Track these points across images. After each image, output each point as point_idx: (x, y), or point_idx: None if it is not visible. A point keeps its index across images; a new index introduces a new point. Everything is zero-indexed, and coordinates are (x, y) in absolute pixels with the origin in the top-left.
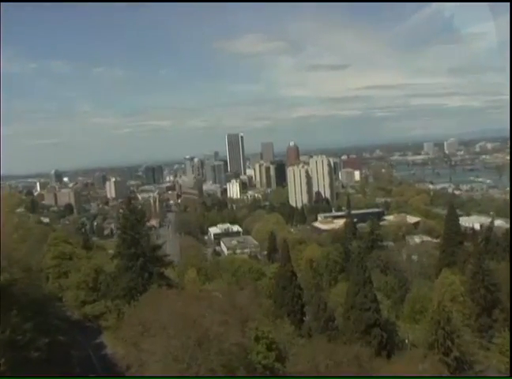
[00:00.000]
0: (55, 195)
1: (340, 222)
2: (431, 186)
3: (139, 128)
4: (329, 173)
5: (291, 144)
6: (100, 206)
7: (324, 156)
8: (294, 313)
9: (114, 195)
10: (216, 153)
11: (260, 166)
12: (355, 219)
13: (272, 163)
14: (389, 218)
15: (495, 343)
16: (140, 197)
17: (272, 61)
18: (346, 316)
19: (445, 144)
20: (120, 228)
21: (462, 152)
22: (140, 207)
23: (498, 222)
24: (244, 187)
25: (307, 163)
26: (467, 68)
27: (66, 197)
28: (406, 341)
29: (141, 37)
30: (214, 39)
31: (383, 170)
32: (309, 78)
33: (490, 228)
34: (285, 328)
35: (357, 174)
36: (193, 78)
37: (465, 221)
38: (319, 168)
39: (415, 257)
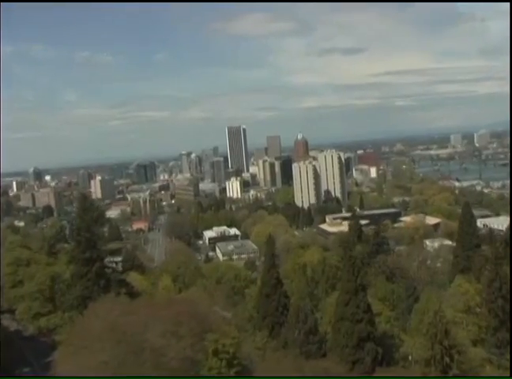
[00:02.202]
0: (33, 195)
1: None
2: (456, 183)
3: (130, 120)
4: (340, 169)
5: (299, 137)
6: None
7: (334, 151)
8: (279, 324)
9: (100, 195)
10: (216, 148)
11: (264, 162)
12: (367, 221)
13: (277, 158)
14: (407, 219)
15: (508, 359)
16: (129, 197)
17: (279, 44)
18: (336, 328)
19: (475, 136)
20: (74, 230)
21: (495, 145)
22: (94, 207)
23: None
24: (246, 186)
25: (316, 159)
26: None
27: (46, 197)
28: (410, 357)
29: (131, 18)
30: (213, 20)
31: (404, 167)
32: (320, 63)
33: (510, 229)
34: (257, 342)
35: (373, 171)
36: (191, 64)
37: (494, 222)
38: (329, 164)
39: (429, 263)
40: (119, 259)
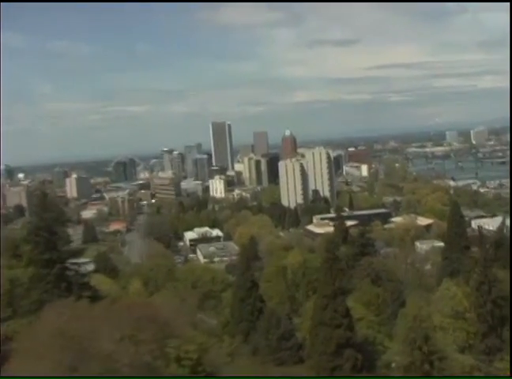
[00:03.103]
0: (3, 195)
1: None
2: (451, 183)
3: (109, 115)
4: (329, 167)
5: (287, 133)
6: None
7: (322, 148)
8: (254, 329)
9: (75, 194)
10: (199, 145)
11: (249, 160)
12: (356, 222)
13: (263, 156)
14: (397, 220)
15: (497, 367)
16: (107, 196)
17: (268, 35)
18: (313, 334)
19: (471, 132)
20: (33, 229)
21: (492, 142)
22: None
23: None
24: (231, 185)
25: (304, 157)
26: (501, 41)
27: (17, 196)
28: (393, 365)
29: (111, 5)
30: (199, 9)
31: (397, 165)
32: (311, 56)
33: (501, 230)
34: (225, 348)
35: (365, 169)
36: (175, 55)
37: (489, 223)
38: (317, 162)
39: (418, 266)
40: (87, 260)
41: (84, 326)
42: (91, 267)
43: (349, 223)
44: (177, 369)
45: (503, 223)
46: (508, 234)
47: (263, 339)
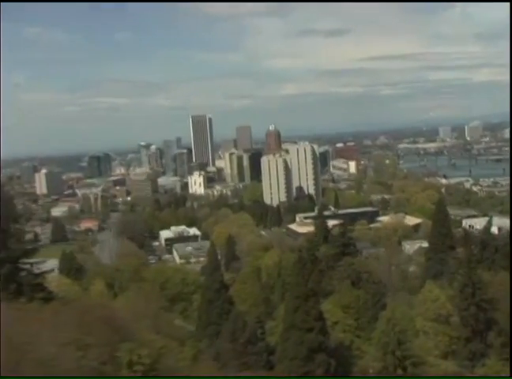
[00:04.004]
0: None
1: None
2: (443, 181)
3: (86, 106)
4: (314, 163)
5: (271, 128)
6: (26, 204)
7: (307, 143)
8: (221, 333)
9: (45, 191)
10: (179, 139)
11: (231, 155)
12: (341, 221)
13: (246, 151)
14: (385, 219)
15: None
16: (79, 192)
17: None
18: (284, 338)
19: (466, 128)
20: None
21: (488, 139)
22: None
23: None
24: (211, 181)
25: (288, 152)
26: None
27: None
28: (371, 370)
29: None
30: None
31: (387, 161)
32: (300, 46)
33: (487, 230)
34: (185, 352)
35: (353, 166)
36: (157, 45)
37: (481, 223)
38: (301, 158)
39: (402, 267)
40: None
41: (27, 329)
42: (47, 267)
43: (334, 222)
44: (128, 374)
45: (489, 222)
46: (495, 235)
47: (228, 344)
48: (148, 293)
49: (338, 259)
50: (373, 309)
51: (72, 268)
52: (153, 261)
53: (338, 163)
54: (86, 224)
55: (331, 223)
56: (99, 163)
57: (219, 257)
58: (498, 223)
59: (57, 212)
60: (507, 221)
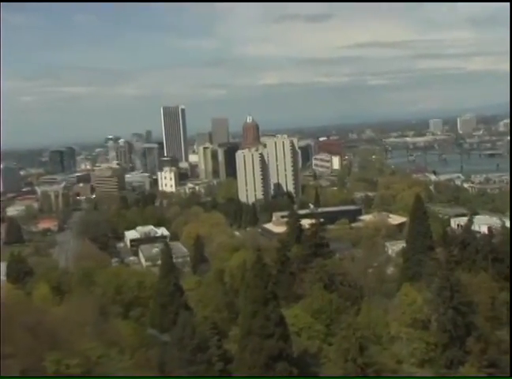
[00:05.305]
0: None
1: (303, 223)
2: (433, 177)
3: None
4: (294, 158)
5: (249, 119)
6: None
7: (286, 136)
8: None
9: (1, 188)
10: (149, 132)
11: (205, 149)
12: (321, 220)
13: (221, 145)
14: (367, 217)
15: None
16: (39, 190)
17: (231, 8)
18: (242, 345)
19: (458, 121)
20: None
21: (481, 132)
22: None
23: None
24: (184, 178)
25: (265, 146)
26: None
27: None
28: None
29: None
30: None
31: (373, 157)
32: (280, 33)
33: (468, 229)
34: (125, 361)
35: (337, 161)
36: (124, 29)
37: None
38: (280, 152)
39: (380, 268)
40: None
41: None
42: None
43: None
44: None
45: (470, 220)
46: (476, 234)
47: (176, 351)
48: (97, 298)
49: (310, 260)
50: (346, 314)
51: (20, 272)
52: (117, 264)
53: (321, 158)
54: (44, 224)
55: (308, 222)
56: (62, 158)
57: (188, 259)
58: (490, 222)
59: (13, 211)
60: (497, 220)
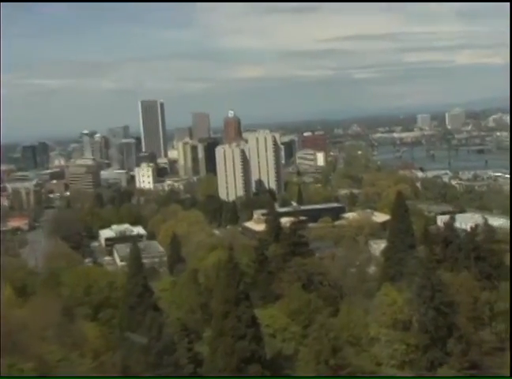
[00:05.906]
0: None
1: (284, 221)
2: (420, 174)
3: (20, 89)
4: (276, 154)
5: (230, 114)
6: None
7: (268, 132)
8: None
9: None
10: (126, 127)
11: (184, 145)
12: (305, 217)
13: (201, 141)
14: (351, 215)
15: None
16: (9, 187)
17: None
18: (213, 347)
19: (446, 116)
20: None
21: (470, 127)
22: None
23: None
24: (162, 174)
25: (246, 141)
26: (484, 11)
27: None
28: None
29: None
30: None
31: (359, 152)
32: (262, 24)
33: (450, 226)
34: (86, 365)
35: (321, 157)
36: (99, 20)
37: (457, 220)
38: (261, 148)
39: (361, 268)
40: None
41: None
42: None
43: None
44: None
45: (453, 217)
46: (459, 232)
47: (142, 354)
48: (64, 299)
49: (288, 259)
50: (325, 315)
51: None
52: (90, 264)
53: (305, 154)
54: (14, 223)
55: (289, 220)
56: (35, 154)
57: (165, 259)
58: (476, 220)
59: None
60: (483, 218)
